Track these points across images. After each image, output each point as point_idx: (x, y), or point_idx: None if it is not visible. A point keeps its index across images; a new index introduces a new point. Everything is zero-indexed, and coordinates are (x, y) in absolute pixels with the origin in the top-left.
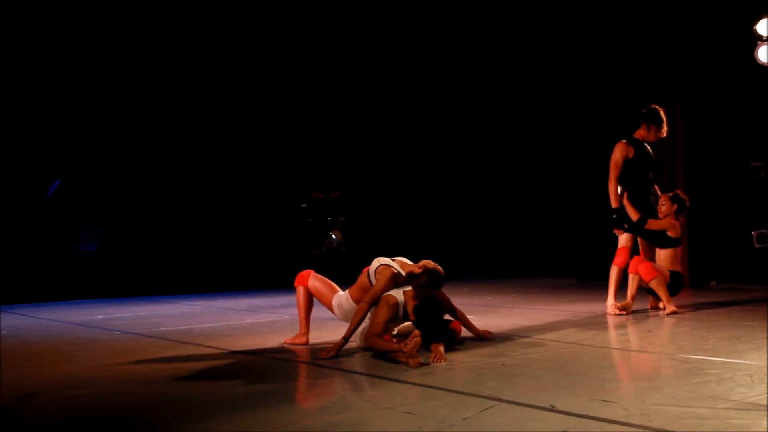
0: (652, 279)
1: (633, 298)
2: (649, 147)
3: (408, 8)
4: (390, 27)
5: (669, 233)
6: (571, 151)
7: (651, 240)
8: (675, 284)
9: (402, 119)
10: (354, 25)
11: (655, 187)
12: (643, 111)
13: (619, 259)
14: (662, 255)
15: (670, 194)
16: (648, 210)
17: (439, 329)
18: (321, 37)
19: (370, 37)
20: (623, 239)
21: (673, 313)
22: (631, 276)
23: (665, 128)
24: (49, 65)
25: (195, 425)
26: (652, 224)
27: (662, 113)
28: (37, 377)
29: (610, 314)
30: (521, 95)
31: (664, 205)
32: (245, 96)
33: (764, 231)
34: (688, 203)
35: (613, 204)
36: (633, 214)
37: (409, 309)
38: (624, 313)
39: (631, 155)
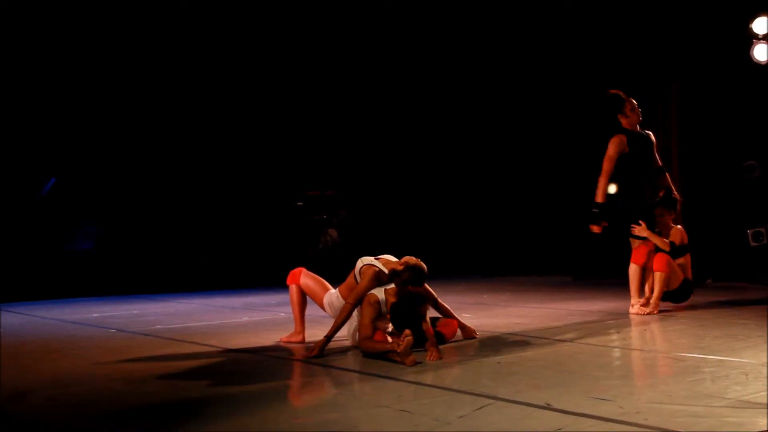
0: (658, 271)
1: (654, 294)
2: (648, 133)
3: (407, 8)
4: (389, 26)
5: (677, 243)
6: (568, 151)
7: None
8: (685, 292)
9: (398, 118)
10: (353, 24)
11: (667, 177)
12: (606, 105)
13: (639, 257)
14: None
15: (659, 198)
16: (644, 213)
17: (413, 328)
18: (319, 36)
19: (368, 37)
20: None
21: (648, 314)
22: (651, 274)
23: (632, 102)
24: (47, 64)
25: (190, 423)
26: (668, 243)
27: (619, 93)
28: (33, 375)
29: (636, 314)
30: (519, 94)
31: (660, 218)
32: (242, 94)
33: (760, 229)
34: (679, 200)
35: (598, 199)
36: (662, 243)
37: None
38: (651, 311)
39: (626, 150)
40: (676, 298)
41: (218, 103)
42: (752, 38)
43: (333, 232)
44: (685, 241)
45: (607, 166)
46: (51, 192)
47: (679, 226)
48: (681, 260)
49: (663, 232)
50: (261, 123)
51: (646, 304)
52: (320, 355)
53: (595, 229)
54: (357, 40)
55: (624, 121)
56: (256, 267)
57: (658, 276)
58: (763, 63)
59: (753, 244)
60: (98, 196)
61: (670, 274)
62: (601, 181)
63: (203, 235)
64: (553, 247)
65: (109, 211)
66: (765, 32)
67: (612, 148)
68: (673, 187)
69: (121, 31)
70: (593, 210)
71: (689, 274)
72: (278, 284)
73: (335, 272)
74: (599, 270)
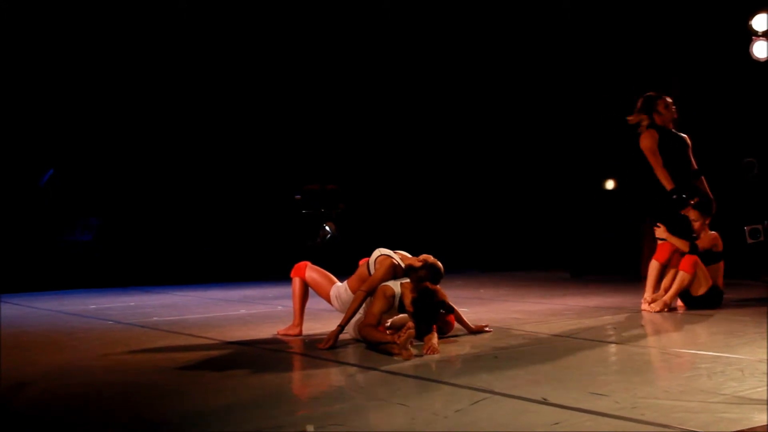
0: (682, 270)
1: (668, 293)
2: (684, 136)
3: (406, 6)
4: (388, 23)
5: (713, 249)
6: (568, 148)
7: (702, 259)
8: (715, 298)
9: (399, 113)
10: (352, 20)
11: (703, 181)
12: (638, 106)
13: (662, 254)
14: (707, 269)
15: (693, 202)
16: (676, 218)
17: (435, 323)
18: (318, 32)
19: (367, 33)
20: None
21: (657, 311)
22: (671, 271)
23: (667, 100)
24: (46, 57)
25: (188, 416)
26: (700, 244)
27: (652, 94)
28: (30, 367)
29: (645, 310)
30: (518, 92)
31: (696, 222)
32: (242, 87)
33: (757, 226)
34: (714, 204)
35: (668, 186)
36: (682, 245)
37: (407, 301)
38: (660, 308)
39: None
40: (705, 304)
41: (218, 96)
42: (752, 35)
43: (332, 226)
44: (720, 247)
45: (653, 158)
46: (49, 183)
47: (713, 232)
48: (713, 267)
49: (700, 237)
50: (261, 117)
51: (655, 301)
52: (334, 345)
53: (687, 212)
54: (356, 35)
55: (657, 119)
56: (254, 260)
57: (680, 275)
58: (762, 60)
59: (750, 241)
60: (97, 187)
61: (693, 278)
62: (660, 172)
63: (201, 228)
64: (551, 242)
65: (107, 203)
66: (764, 29)
67: (648, 142)
68: (709, 191)
69: (121, 25)
70: (673, 197)
71: (720, 281)
72: (276, 277)
73: (333, 266)
74: (597, 266)
